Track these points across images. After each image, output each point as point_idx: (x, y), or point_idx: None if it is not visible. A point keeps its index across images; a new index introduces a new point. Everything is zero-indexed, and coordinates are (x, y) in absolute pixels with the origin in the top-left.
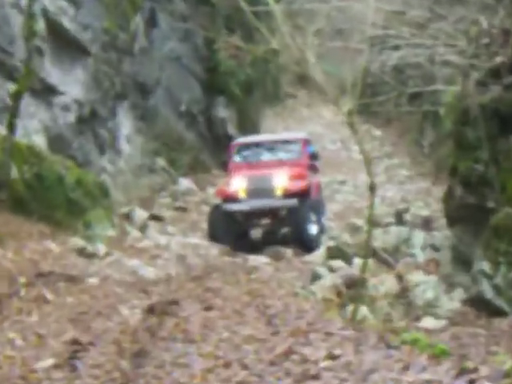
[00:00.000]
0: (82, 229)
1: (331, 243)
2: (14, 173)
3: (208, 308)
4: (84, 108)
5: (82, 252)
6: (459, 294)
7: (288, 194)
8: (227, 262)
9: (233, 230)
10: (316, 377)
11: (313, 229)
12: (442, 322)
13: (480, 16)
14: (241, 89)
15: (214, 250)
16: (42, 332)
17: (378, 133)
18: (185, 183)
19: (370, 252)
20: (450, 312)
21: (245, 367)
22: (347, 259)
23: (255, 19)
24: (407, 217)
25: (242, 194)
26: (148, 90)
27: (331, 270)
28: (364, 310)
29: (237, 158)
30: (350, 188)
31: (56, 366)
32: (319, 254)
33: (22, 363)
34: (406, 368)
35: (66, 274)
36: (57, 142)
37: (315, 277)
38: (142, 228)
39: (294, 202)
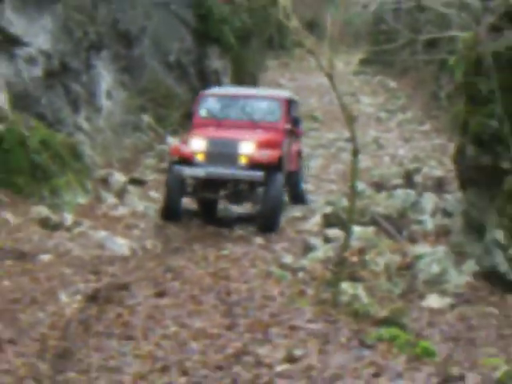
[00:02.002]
0: (49, 196)
1: (328, 209)
2: None
3: (161, 293)
4: (53, 60)
5: (45, 223)
6: (470, 266)
7: (254, 165)
8: (211, 232)
9: (181, 199)
10: None
11: (280, 206)
12: (449, 300)
13: None
14: (236, 37)
15: (198, 219)
16: None
17: (392, 84)
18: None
19: (351, 227)
20: (459, 287)
21: (184, 373)
22: (345, 227)
23: None
24: (418, 178)
25: (199, 158)
26: (132, 39)
27: (327, 240)
28: (358, 289)
29: (203, 113)
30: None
31: None
32: (315, 221)
33: None
34: (377, 374)
35: (18, 249)
36: (22, 99)
37: (308, 248)
38: (120, 194)
39: (259, 174)
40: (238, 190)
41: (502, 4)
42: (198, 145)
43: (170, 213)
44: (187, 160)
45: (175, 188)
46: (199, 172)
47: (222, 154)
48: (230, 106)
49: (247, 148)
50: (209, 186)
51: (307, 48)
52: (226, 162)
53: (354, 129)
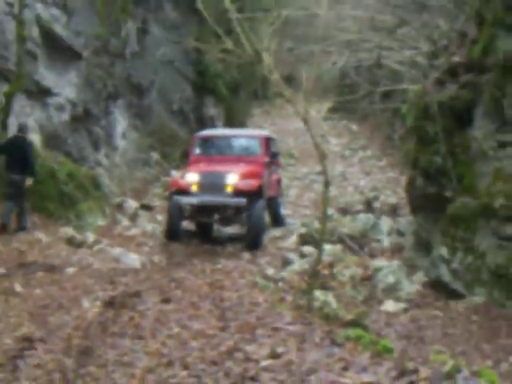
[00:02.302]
0: (74, 219)
1: (303, 230)
2: None
3: (166, 300)
4: (77, 108)
5: (70, 241)
6: (420, 277)
7: (238, 193)
8: (207, 249)
9: (182, 220)
10: (254, 379)
11: (263, 227)
12: (403, 305)
13: (441, 20)
14: (228, 89)
15: (196, 239)
16: None
17: (354, 127)
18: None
19: (322, 245)
20: (411, 294)
21: (186, 367)
22: (317, 245)
23: (214, 23)
24: (376, 204)
25: (194, 188)
26: (142, 90)
27: (302, 255)
28: (328, 296)
29: (197, 151)
30: None
31: None
32: (292, 240)
33: None
34: (346, 368)
35: (48, 263)
36: (52, 139)
37: (286, 262)
38: (132, 217)
39: (242, 200)
40: (227, 214)
41: (444, 62)
42: (192, 178)
43: (172, 234)
44: (184, 190)
45: (175, 214)
46: (193, 200)
47: (211, 184)
48: (218, 144)
49: (232, 179)
50: (202, 211)
51: (286, 98)
52: (215, 191)
53: (325, 164)
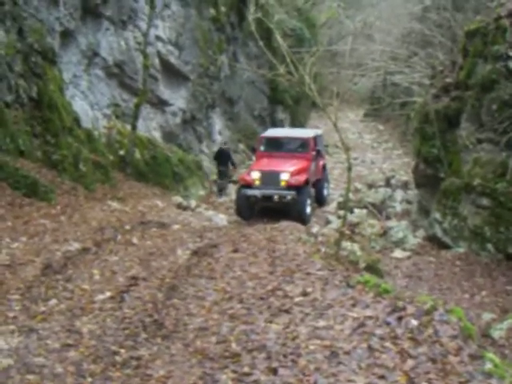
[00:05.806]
0: (182, 190)
1: (341, 199)
2: (137, 155)
3: (235, 250)
4: (186, 114)
5: (179, 206)
6: (421, 233)
7: (290, 186)
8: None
9: (249, 206)
10: (287, 311)
11: (307, 210)
12: (408, 253)
13: (439, 53)
14: (292, 100)
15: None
16: (116, 269)
17: (381, 127)
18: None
19: (347, 211)
20: (414, 245)
21: (241, 301)
22: (350, 210)
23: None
24: (393, 181)
25: (257, 183)
26: (233, 102)
27: (339, 217)
28: (354, 247)
29: (262, 148)
30: (359, 162)
31: (110, 298)
32: (333, 206)
33: (88, 295)
34: (354, 305)
35: (160, 221)
36: (168, 136)
37: (327, 222)
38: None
39: (293, 193)
40: (281, 201)
41: (440, 82)
42: (255, 175)
43: (240, 214)
44: (249, 185)
45: (242, 202)
46: (256, 192)
47: (270, 180)
48: (277, 143)
49: (285, 176)
50: (263, 199)
51: (323, 109)
52: (273, 185)
53: (349, 154)
